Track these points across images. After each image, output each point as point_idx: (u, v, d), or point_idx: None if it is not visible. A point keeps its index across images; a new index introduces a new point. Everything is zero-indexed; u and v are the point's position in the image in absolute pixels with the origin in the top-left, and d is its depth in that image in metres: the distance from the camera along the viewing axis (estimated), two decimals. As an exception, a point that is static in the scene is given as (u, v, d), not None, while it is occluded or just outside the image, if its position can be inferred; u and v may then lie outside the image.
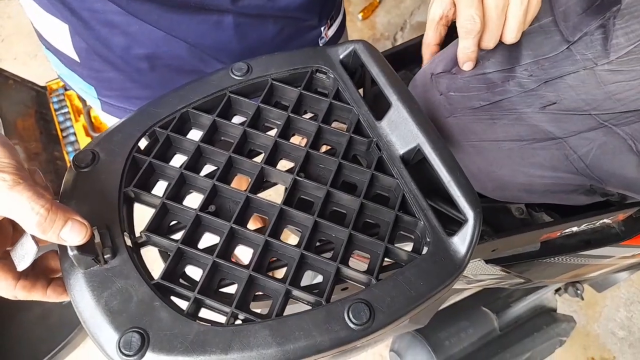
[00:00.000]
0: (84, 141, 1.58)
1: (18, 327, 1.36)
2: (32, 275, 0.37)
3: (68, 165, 1.53)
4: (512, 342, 0.94)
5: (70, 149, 1.58)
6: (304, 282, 0.37)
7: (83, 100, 1.64)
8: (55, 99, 1.65)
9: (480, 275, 0.54)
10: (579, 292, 1.01)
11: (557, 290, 1.04)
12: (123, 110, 0.61)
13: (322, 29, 0.65)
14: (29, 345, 1.33)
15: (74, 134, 1.60)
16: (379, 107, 0.43)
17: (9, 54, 1.95)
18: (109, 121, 0.67)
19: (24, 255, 0.34)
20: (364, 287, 0.36)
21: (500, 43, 0.46)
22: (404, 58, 0.52)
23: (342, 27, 0.71)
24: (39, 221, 0.31)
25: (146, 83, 0.57)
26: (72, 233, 0.32)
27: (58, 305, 1.39)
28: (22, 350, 1.32)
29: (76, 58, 0.54)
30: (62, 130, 1.60)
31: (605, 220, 0.50)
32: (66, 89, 1.67)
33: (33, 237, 0.34)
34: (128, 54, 0.52)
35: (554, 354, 1.03)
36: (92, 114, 1.62)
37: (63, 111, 1.63)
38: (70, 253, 0.32)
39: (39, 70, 1.86)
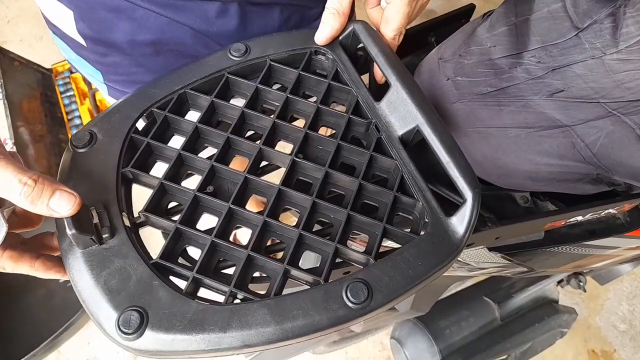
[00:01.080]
0: None
1: (22, 309, 1.37)
2: (20, 248, 0.37)
3: None
4: (513, 332, 0.94)
5: (75, 131, 1.57)
6: (304, 268, 0.37)
7: (88, 84, 1.64)
8: (60, 82, 1.65)
9: (483, 263, 0.54)
10: (581, 284, 1.02)
11: (559, 282, 1.05)
12: None
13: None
14: (33, 327, 1.34)
15: (79, 117, 1.60)
16: (383, 91, 0.43)
17: (15, 36, 1.94)
18: None
19: None
20: (362, 267, 0.36)
21: (508, 27, 0.46)
22: (410, 44, 0.51)
23: (352, 14, 0.71)
24: (27, 191, 0.31)
25: (151, 68, 0.56)
26: (61, 202, 0.32)
27: (62, 287, 1.40)
28: (25, 332, 1.33)
29: (82, 42, 0.54)
30: (67, 113, 1.60)
31: (610, 211, 0.50)
32: (72, 72, 1.66)
33: (2, 216, 0.33)
34: (133, 39, 0.52)
35: (554, 345, 1.04)
36: (97, 97, 1.62)
37: (69, 94, 1.62)
38: (69, 232, 0.32)
39: (45, 52, 1.85)
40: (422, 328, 0.92)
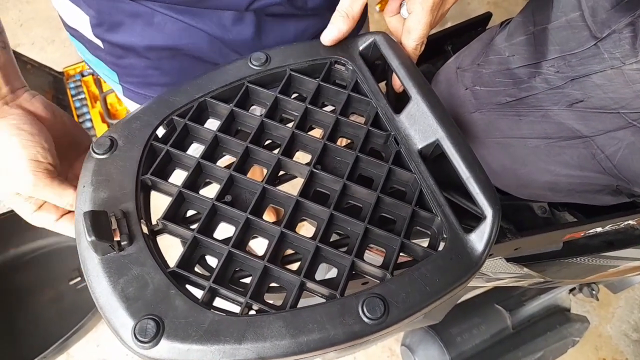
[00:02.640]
0: (100, 127, 1.59)
1: (32, 311, 1.38)
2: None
3: None
4: (525, 340, 0.93)
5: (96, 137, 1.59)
6: (317, 278, 0.37)
7: (100, 87, 1.65)
8: (72, 85, 1.66)
9: (500, 273, 0.53)
10: (594, 292, 1.00)
11: (571, 290, 1.03)
12: (143, 97, 0.62)
13: None
14: (43, 329, 1.35)
15: (90, 120, 1.61)
16: (401, 101, 0.42)
17: (27, 39, 1.97)
18: (131, 106, 0.67)
19: None
20: (379, 282, 0.36)
21: (526, 37, 0.45)
22: (426, 51, 0.51)
23: (364, 18, 0.71)
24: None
25: (167, 71, 0.57)
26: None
27: (71, 290, 1.41)
28: (35, 334, 1.34)
29: (100, 44, 0.55)
30: (78, 117, 1.62)
31: (630, 222, 0.49)
32: (83, 75, 1.68)
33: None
34: (150, 43, 0.52)
35: (565, 353, 1.02)
36: (108, 100, 1.63)
37: (80, 97, 1.64)
38: (88, 238, 0.33)
39: (56, 55, 1.87)
40: (433, 335, 0.92)
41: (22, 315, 1.37)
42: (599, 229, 0.48)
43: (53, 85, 1.63)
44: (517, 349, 0.93)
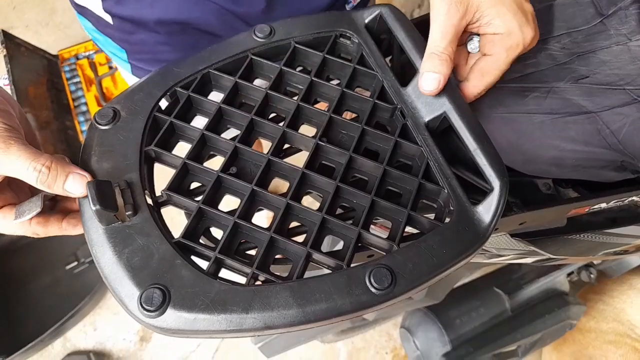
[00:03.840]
0: (95, 111, 1.57)
1: (28, 296, 1.39)
2: (46, 214, 0.38)
3: (79, 136, 1.54)
4: (523, 323, 0.94)
5: (81, 118, 1.58)
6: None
7: (95, 70, 1.63)
8: (67, 68, 1.64)
9: (503, 250, 0.53)
10: (592, 276, 1.01)
11: (569, 274, 1.04)
12: None
13: None
14: (39, 313, 1.35)
15: (86, 103, 1.59)
16: (407, 75, 0.42)
17: (21, 22, 1.94)
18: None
19: (26, 211, 0.35)
20: (385, 254, 0.36)
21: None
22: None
23: None
24: (42, 178, 0.33)
25: (177, 46, 0.56)
26: (75, 184, 0.34)
27: (68, 274, 1.42)
28: (32, 318, 1.35)
29: (109, 20, 0.54)
30: (73, 100, 1.60)
31: (634, 198, 0.49)
32: (78, 58, 1.66)
33: (44, 198, 0.35)
34: (161, 17, 0.52)
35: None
36: (103, 84, 1.61)
37: (75, 80, 1.62)
38: (92, 207, 0.32)
39: (51, 38, 1.84)
40: (432, 318, 0.92)
41: (18, 300, 1.37)
42: (603, 205, 0.48)
43: (47, 68, 1.61)
44: (515, 332, 0.94)
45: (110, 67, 1.65)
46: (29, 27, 1.93)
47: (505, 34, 0.39)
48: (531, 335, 0.94)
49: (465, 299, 0.93)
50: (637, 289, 1.06)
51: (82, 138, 1.54)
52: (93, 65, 1.64)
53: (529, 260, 0.61)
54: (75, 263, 1.43)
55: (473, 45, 0.42)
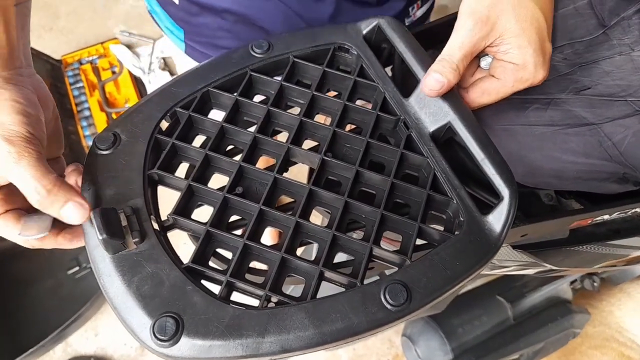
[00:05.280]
0: (98, 116, 1.56)
1: (30, 300, 1.36)
2: None
3: (82, 140, 1.52)
4: (526, 331, 0.94)
5: (84, 123, 1.56)
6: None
7: (98, 75, 1.62)
8: (70, 73, 1.63)
9: (505, 261, 0.53)
10: (595, 284, 1.01)
11: (572, 282, 1.04)
12: (206, 57, 0.61)
13: (411, 9, 0.63)
14: (41, 318, 1.33)
15: (89, 108, 1.58)
16: (408, 85, 0.42)
17: (24, 26, 1.91)
18: (189, 65, 0.63)
19: (33, 228, 0.35)
20: (395, 268, 0.35)
21: None
22: (432, 37, 0.50)
23: (431, 8, 0.70)
24: (39, 200, 0.32)
25: (237, 35, 0.57)
26: (72, 212, 0.33)
27: (70, 279, 1.40)
28: (34, 323, 1.32)
29: (175, 0, 0.55)
30: (76, 105, 1.58)
31: (637, 210, 0.49)
32: (81, 63, 1.65)
33: (52, 221, 0.34)
34: (229, 6, 0.53)
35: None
36: (106, 89, 1.60)
37: (78, 85, 1.60)
38: (99, 237, 0.31)
39: (54, 43, 1.81)
40: (434, 326, 0.92)
41: (20, 305, 1.35)
42: (606, 217, 0.48)
43: (51, 73, 1.59)
44: (518, 341, 0.94)
45: (114, 72, 1.64)
46: (32, 31, 1.89)
47: (520, 66, 0.38)
48: (534, 344, 0.94)
49: (468, 307, 0.92)
50: (627, 292, 1.06)
51: (84, 143, 1.52)
52: (96, 70, 1.63)
53: (531, 271, 0.61)
54: (77, 268, 1.41)
55: (486, 62, 0.42)
